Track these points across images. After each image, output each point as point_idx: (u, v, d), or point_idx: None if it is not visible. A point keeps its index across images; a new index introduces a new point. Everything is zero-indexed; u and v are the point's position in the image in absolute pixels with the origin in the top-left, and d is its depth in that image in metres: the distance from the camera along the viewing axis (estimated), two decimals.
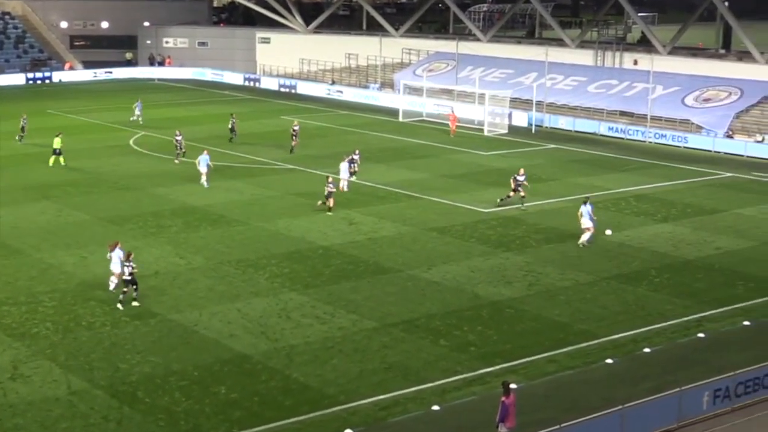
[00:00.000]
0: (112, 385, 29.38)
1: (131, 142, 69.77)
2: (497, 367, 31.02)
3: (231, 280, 39.08)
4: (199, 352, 31.95)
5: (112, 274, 37.08)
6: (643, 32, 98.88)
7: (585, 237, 44.34)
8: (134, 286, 36.05)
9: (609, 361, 31.54)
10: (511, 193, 50.64)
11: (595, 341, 33.26)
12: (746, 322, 35.21)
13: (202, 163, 54.92)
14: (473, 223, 48.25)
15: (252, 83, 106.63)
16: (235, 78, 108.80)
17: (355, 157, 57.63)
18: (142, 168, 60.77)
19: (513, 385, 26.93)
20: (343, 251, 43.12)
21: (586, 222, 44.46)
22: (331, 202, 49.48)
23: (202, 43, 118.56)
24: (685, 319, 35.49)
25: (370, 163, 61.39)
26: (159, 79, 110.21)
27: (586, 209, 44.51)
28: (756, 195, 55.91)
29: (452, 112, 78.02)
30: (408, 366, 31.02)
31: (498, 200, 51.09)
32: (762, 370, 29.08)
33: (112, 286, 37.23)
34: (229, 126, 70.85)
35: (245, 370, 30.64)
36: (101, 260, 41.23)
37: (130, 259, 36.28)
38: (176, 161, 61.89)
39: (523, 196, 50.70)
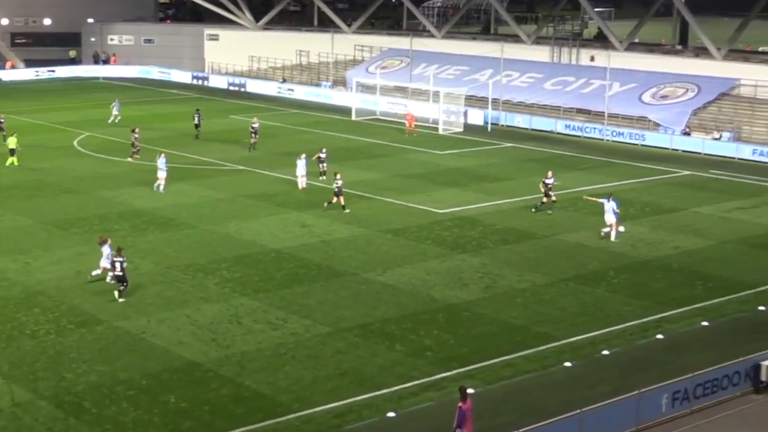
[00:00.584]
0: (57, 395, 29.15)
1: (75, 143, 69.25)
2: (454, 372, 31.12)
3: (180, 286, 38.91)
4: (148, 360, 31.79)
5: (99, 268, 38.71)
6: (599, 28, 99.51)
7: (612, 234, 45.68)
8: (122, 284, 37.11)
9: (567, 364, 31.77)
10: (545, 199, 50.52)
11: (553, 344, 33.48)
12: (705, 323, 35.62)
13: (162, 166, 54.54)
14: (429, 225, 48.38)
15: (200, 81, 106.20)
16: (183, 76, 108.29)
17: (322, 155, 57.93)
18: (87, 170, 60.36)
19: (470, 390, 27.07)
20: (296, 254, 43.07)
21: (609, 218, 45.67)
22: (341, 200, 49.94)
23: (148, 41, 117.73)
24: (644, 320, 35.82)
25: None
26: (104, 78, 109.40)
27: (609, 205, 45.61)
28: (714, 193, 56.53)
29: (409, 111, 78.28)
30: (363, 372, 31.05)
31: (533, 209, 50.73)
32: (721, 371, 29.44)
33: (93, 274, 38.95)
34: (195, 122, 71.53)
35: (195, 378, 30.52)
36: (45, 266, 41.06)
37: (121, 253, 37.42)
38: (130, 159, 62.03)
39: (554, 201, 50.70)
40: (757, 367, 29.98)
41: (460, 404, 25.33)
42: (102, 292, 37.81)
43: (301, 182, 55.15)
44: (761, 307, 37.33)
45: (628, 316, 36.16)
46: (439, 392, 29.67)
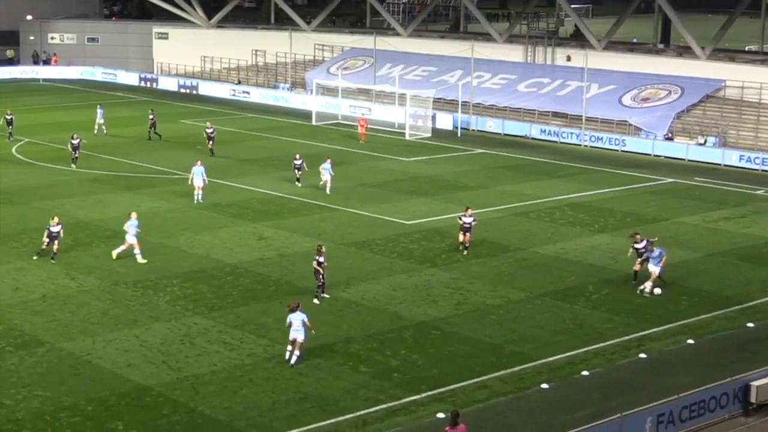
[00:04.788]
0: None
1: (14, 150, 68.76)
2: (423, 395, 31.10)
3: (128, 304, 38.72)
4: (93, 384, 31.58)
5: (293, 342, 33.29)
6: (576, 26, 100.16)
7: (648, 284, 40.50)
8: (322, 280, 39.15)
9: (545, 386, 31.83)
10: (637, 267, 41.56)
11: (530, 364, 33.55)
12: (690, 341, 35.80)
13: (197, 175, 54.34)
14: (395, 237, 48.44)
15: (148, 83, 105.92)
16: (130, 78, 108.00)
17: (297, 162, 58.86)
18: (26, 179, 59.98)
19: (440, 415, 27.02)
20: (253, 269, 42.97)
21: (651, 267, 40.71)
22: (467, 238, 45.66)
23: (93, 39, 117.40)
24: (626, 338, 35.98)
25: (280, 170, 61.33)
26: (44, 80, 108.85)
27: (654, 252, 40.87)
28: (699, 202, 56.95)
29: (362, 115, 78.38)
30: (325, 395, 31.00)
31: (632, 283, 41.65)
32: (708, 392, 29.58)
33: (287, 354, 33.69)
34: (149, 124, 72.98)
35: (145, 403, 30.35)
36: None
37: (322, 252, 39.07)
38: (73, 167, 62.12)
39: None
40: (746, 388, 30.16)
41: (447, 429, 25.23)
42: (42, 311, 37.60)
43: (327, 188, 56.82)
44: (750, 324, 37.59)
45: (609, 334, 36.31)
46: (408, 416, 29.64)
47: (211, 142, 67.90)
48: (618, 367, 33.54)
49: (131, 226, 43.93)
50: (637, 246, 41.70)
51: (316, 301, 38.62)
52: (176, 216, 51.75)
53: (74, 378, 32.01)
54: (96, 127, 75.53)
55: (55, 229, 43.31)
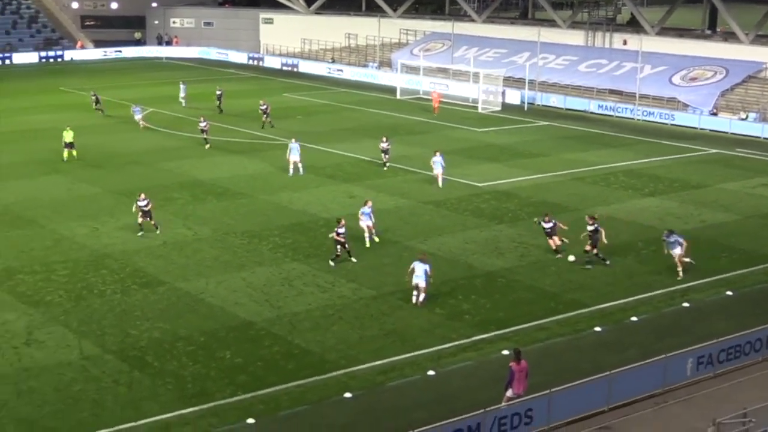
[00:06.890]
0: (122, 350, 29.48)
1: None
2: (490, 334, 31.07)
3: (236, 251, 39.11)
4: (206, 318, 32.03)
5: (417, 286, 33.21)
6: (632, 13, 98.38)
7: (679, 269, 36.94)
8: (345, 248, 37.32)
9: (597, 329, 31.60)
10: (588, 248, 37.89)
11: (585, 310, 33.32)
12: (729, 292, 35.24)
13: (294, 151, 52.01)
14: (468, 197, 48.23)
15: (255, 62, 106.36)
16: (240, 57, 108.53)
17: (384, 145, 53.57)
18: (150, 143, 60.68)
19: (504, 351, 26.94)
20: None
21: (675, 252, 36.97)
22: (554, 242, 39.21)
23: (208, 24, 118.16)
24: (671, 289, 35.54)
25: (368, 138, 61.27)
26: (167, 58, 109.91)
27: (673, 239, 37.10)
28: (740, 170, 55.88)
29: (435, 90, 77.95)
30: (405, 333, 31.08)
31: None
32: (743, 337, 29.15)
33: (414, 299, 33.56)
34: (217, 97, 72.47)
35: (249, 336, 30.71)
36: (111, 231, 41.48)
37: (341, 224, 37.17)
38: (207, 147, 58.82)
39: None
40: None
41: (511, 364, 25.17)
42: (163, 256, 38.15)
43: (439, 181, 50.10)
44: None
45: (656, 285, 35.88)
46: (477, 353, 29.65)
47: (266, 117, 65.70)
48: (663, 314, 33.17)
49: (363, 213, 40.14)
50: (590, 228, 37.62)
51: (353, 259, 37.58)
52: (278, 176, 51.98)
53: (190, 313, 32.49)
54: (181, 100, 75.55)
55: (141, 203, 41.17)
